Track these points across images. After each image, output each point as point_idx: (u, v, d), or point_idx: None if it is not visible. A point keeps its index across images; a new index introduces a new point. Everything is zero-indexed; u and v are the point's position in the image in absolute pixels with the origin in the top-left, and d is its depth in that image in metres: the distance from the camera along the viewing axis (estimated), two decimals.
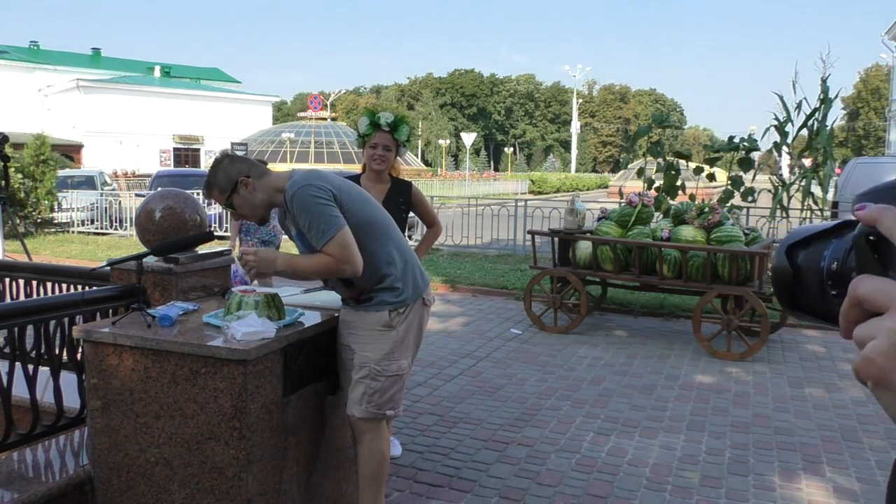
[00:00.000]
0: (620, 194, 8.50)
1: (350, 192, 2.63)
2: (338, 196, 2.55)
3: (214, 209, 13.62)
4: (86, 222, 15.69)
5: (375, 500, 2.83)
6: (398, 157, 3.78)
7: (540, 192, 39.13)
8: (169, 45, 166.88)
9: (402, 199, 3.73)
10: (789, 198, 9.76)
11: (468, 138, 42.35)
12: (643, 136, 8.06)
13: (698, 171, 8.42)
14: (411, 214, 3.91)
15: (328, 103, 52.02)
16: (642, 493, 3.53)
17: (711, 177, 8.79)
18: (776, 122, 9.70)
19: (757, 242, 6.43)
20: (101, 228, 15.45)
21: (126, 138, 42.70)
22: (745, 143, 8.60)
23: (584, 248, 6.79)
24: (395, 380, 2.73)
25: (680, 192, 7.90)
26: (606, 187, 40.03)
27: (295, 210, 2.52)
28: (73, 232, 15.24)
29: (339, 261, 2.50)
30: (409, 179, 4.09)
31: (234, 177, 2.58)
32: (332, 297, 3.04)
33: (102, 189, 17.13)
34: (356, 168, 4.40)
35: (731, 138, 8.76)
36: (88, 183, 17.71)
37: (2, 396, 2.74)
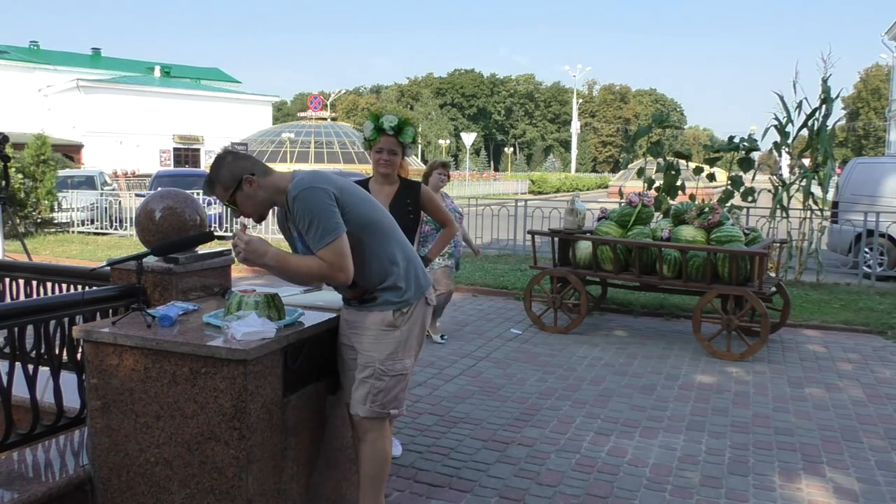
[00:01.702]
0: (620, 194, 8.50)
1: (353, 193, 2.63)
2: (340, 197, 2.55)
3: (215, 209, 13.64)
4: (86, 222, 15.69)
5: (376, 499, 2.83)
6: (405, 158, 3.75)
7: (540, 192, 39.16)
8: (169, 45, 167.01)
9: (410, 200, 3.68)
10: (789, 198, 9.77)
11: (468, 138, 42.42)
12: (643, 136, 8.07)
13: (698, 171, 8.42)
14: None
15: (328, 103, 52.02)
16: (642, 493, 3.53)
17: (711, 177, 8.80)
18: (776, 122, 9.70)
19: (757, 242, 6.44)
20: (101, 228, 15.46)
21: (126, 138, 42.72)
22: (745, 143, 8.61)
23: (584, 248, 6.80)
24: (399, 379, 2.73)
25: (680, 192, 7.91)
26: (606, 187, 40.05)
27: (297, 211, 2.50)
28: (73, 232, 15.24)
29: (332, 267, 2.49)
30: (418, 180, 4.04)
31: (239, 174, 2.57)
32: (332, 297, 3.04)
33: (102, 189, 17.15)
34: (356, 168, 4.39)
35: (731, 138, 8.77)
36: (88, 183, 17.74)
37: (2, 396, 2.74)
